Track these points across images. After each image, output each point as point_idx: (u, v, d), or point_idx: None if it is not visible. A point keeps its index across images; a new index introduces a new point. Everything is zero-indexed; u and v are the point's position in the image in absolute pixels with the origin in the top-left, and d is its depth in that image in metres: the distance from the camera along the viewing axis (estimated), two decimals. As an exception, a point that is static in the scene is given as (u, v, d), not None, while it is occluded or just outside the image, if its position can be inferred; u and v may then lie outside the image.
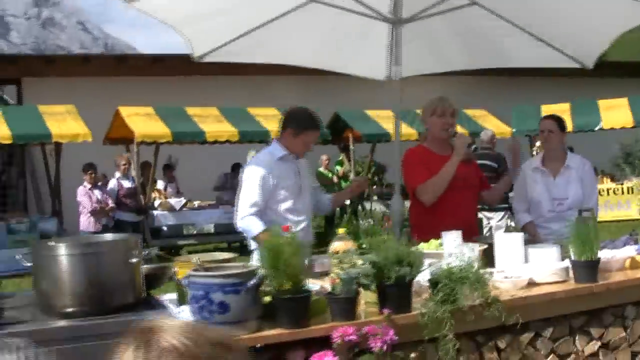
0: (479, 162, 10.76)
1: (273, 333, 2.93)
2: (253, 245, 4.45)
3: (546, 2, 4.70)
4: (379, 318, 3.08)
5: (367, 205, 16.85)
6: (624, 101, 16.80)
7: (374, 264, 3.12)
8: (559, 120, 5.18)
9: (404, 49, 5.28)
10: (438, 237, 3.98)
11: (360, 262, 3.17)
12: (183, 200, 13.90)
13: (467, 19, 5.06)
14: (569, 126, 15.53)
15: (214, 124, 13.95)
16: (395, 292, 3.14)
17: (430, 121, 4.80)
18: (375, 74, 5.93)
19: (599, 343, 3.75)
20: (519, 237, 3.99)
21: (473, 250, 3.53)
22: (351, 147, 16.60)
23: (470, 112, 17.50)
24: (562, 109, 15.51)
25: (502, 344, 3.44)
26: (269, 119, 14.90)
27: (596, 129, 16.10)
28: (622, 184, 17.90)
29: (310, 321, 3.02)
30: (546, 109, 16.57)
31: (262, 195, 4.31)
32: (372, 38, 5.51)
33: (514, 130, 16.44)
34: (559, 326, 3.62)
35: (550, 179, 5.13)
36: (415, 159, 4.75)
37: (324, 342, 2.97)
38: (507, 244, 3.96)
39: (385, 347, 2.96)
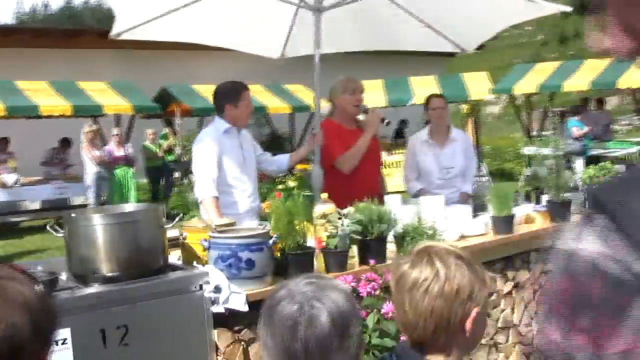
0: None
1: (289, 284, 3.38)
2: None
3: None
4: (366, 267, 3.62)
5: (189, 180, 17.13)
6: (431, 78, 18.39)
7: (360, 222, 3.65)
8: (445, 99, 5.95)
9: (303, 32, 5.86)
10: (351, 203, 4.51)
11: (345, 222, 3.68)
12: (15, 177, 13.47)
13: (367, 6, 5.62)
14: (383, 101, 16.80)
15: (46, 98, 13.61)
16: (376, 246, 3.71)
17: (341, 98, 5.31)
18: (272, 53, 6.37)
19: (512, 283, 4.55)
20: (441, 198, 4.66)
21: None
22: (178, 121, 16.75)
23: (290, 87, 18.29)
24: (376, 85, 16.61)
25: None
26: (99, 93, 14.76)
27: (408, 104, 17.33)
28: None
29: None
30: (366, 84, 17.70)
31: (215, 167, 4.65)
32: (274, 21, 5.95)
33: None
34: (487, 270, 4.35)
35: (438, 150, 5.86)
36: (331, 133, 5.25)
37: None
38: (432, 205, 4.62)
39: (377, 291, 3.50)
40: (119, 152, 13.69)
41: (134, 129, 15.60)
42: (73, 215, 3.22)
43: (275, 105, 17.20)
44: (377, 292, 3.46)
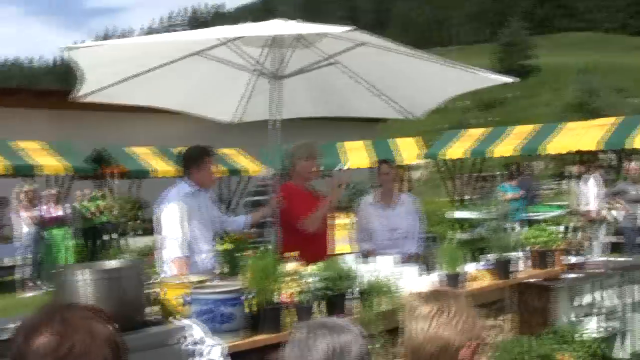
0: (257, 198, 11.85)
1: (262, 337, 3.59)
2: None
3: (393, 65, 5.71)
4: (332, 322, 3.85)
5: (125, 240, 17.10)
6: (360, 144, 18.98)
7: (327, 279, 3.91)
8: (392, 164, 6.31)
9: (257, 98, 6.18)
10: (308, 260, 4.73)
11: (310, 279, 3.93)
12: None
13: (322, 74, 5.96)
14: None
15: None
16: (341, 301, 3.96)
17: (301, 164, 5.64)
18: (224, 117, 6.64)
19: (462, 337, 4.83)
20: (391, 259, 4.95)
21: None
22: (112, 182, 16.78)
23: (226, 150, 18.55)
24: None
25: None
26: (36, 152, 14.74)
27: (337, 168, 17.63)
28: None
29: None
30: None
31: (180, 229, 4.85)
32: (229, 86, 6.24)
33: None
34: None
35: (386, 212, 6.18)
36: (293, 196, 5.53)
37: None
38: (384, 265, 4.90)
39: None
40: (56, 212, 13.61)
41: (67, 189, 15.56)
42: (58, 271, 3.37)
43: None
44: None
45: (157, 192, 18.19)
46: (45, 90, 26.52)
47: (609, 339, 6.07)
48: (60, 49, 4.50)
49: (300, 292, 3.83)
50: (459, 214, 17.94)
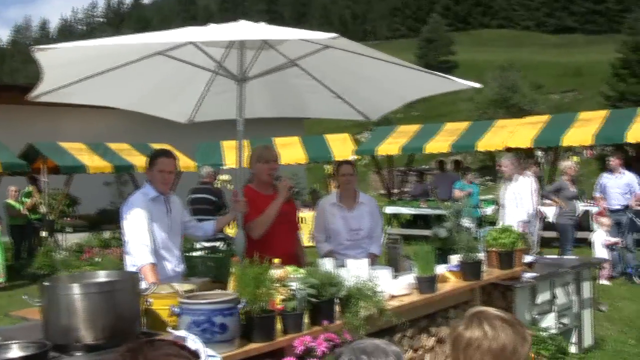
0: (200, 195, 11.74)
1: (256, 346, 3.56)
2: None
3: (351, 67, 5.72)
4: (320, 328, 3.86)
5: (60, 236, 16.69)
6: (296, 139, 19.03)
7: (313, 285, 3.89)
8: (354, 166, 6.32)
9: (212, 98, 6.14)
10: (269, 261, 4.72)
11: (297, 284, 3.91)
12: None
13: (281, 75, 5.93)
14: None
15: None
16: (327, 307, 3.96)
17: (257, 166, 5.64)
18: (180, 117, 6.54)
19: (434, 338, 4.91)
20: (366, 262, 4.96)
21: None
22: (44, 178, 16.31)
23: (156, 145, 18.24)
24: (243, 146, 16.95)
25: (383, 344, 4.41)
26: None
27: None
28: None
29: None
30: (227, 144, 18.08)
31: (147, 234, 4.75)
32: (189, 88, 6.15)
33: (198, 164, 17.38)
34: (412, 327, 4.70)
35: (347, 213, 6.20)
36: (247, 200, 5.47)
37: (272, 353, 3.69)
38: (358, 268, 4.91)
39: (328, 349, 3.75)
40: (-15, 211, 13.17)
41: (-2, 186, 15.09)
42: (48, 284, 3.26)
43: (142, 164, 17.01)
44: (337, 350, 3.70)
45: (88, 189, 18.00)
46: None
47: (564, 334, 6.26)
48: (30, 49, 4.33)
49: (288, 299, 3.81)
50: (390, 209, 18.16)
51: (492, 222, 13.90)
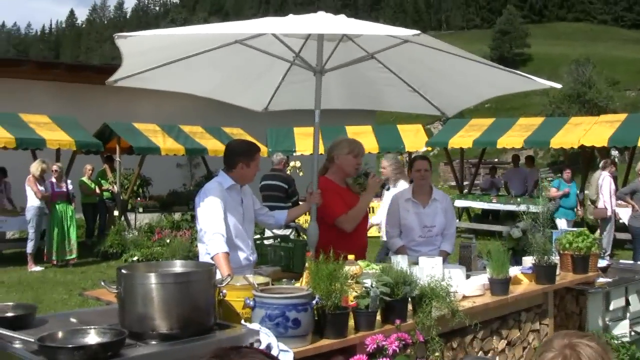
0: (271, 182, 11.80)
1: (328, 343, 3.55)
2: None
3: (429, 62, 5.65)
4: (392, 327, 3.82)
5: (132, 217, 16.99)
6: (368, 128, 18.96)
7: (387, 284, 3.86)
8: (429, 161, 6.24)
9: (287, 87, 6.15)
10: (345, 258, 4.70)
11: (371, 282, 3.89)
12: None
13: (359, 68, 5.89)
14: (321, 149, 17.14)
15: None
16: (400, 306, 3.92)
17: (345, 158, 5.60)
18: (256, 106, 6.56)
19: (505, 341, 4.83)
20: (440, 260, 4.89)
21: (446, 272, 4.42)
22: (117, 158, 16.64)
23: (228, 129, 18.43)
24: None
25: (454, 344, 4.36)
26: (42, 126, 14.60)
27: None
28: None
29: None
30: (298, 131, 18.10)
31: (222, 223, 4.77)
32: (266, 77, 6.16)
33: (269, 150, 17.45)
34: (484, 329, 4.62)
35: (420, 209, 6.13)
36: (330, 192, 5.47)
37: (343, 350, 3.67)
38: (430, 266, 4.86)
39: (399, 349, 3.71)
40: (60, 188, 13.50)
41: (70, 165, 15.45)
42: (126, 272, 3.31)
43: (215, 147, 17.19)
44: (409, 350, 3.67)
45: (160, 170, 18.25)
46: (49, 62, 26.19)
47: (637, 343, 6.09)
48: (113, 36, 4.41)
49: (362, 297, 3.79)
50: (461, 203, 17.96)
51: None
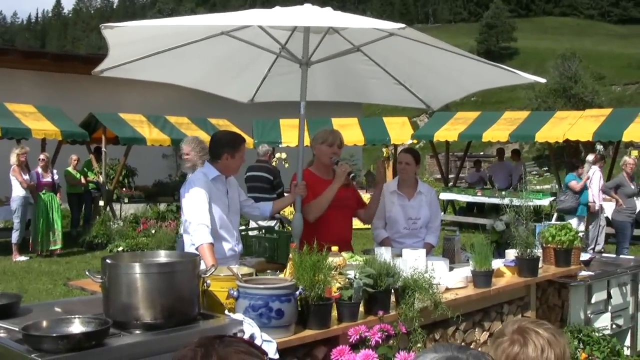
0: (256, 173, 11.80)
1: (312, 333, 3.58)
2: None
3: (414, 55, 5.68)
4: (374, 318, 3.86)
5: (117, 207, 16.96)
6: (354, 120, 18.99)
7: (370, 275, 3.89)
8: (414, 154, 6.26)
9: (274, 79, 6.17)
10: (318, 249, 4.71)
11: (355, 273, 3.92)
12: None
13: (345, 60, 5.91)
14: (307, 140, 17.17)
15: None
16: (383, 297, 3.95)
17: (320, 148, 5.61)
18: (241, 97, 6.57)
19: (487, 333, 4.87)
20: (423, 252, 4.93)
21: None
22: (103, 149, 16.60)
23: (214, 120, 18.39)
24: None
25: (437, 336, 4.41)
26: (28, 116, 14.54)
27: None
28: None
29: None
30: (284, 122, 18.11)
31: (207, 214, 4.78)
32: (252, 68, 6.17)
33: (255, 141, 17.43)
34: (466, 321, 4.67)
35: (405, 202, 6.16)
36: (306, 183, 5.48)
37: (326, 340, 3.70)
38: (415, 258, 4.88)
39: (382, 340, 3.74)
40: (45, 178, 13.47)
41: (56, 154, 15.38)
42: (110, 262, 3.32)
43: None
44: (391, 341, 3.70)
45: (146, 160, 18.17)
46: (35, 51, 26.01)
47: (618, 336, 6.16)
48: (100, 26, 4.40)
49: (345, 288, 3.82)
50: (446, 196, 18.05)
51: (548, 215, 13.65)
